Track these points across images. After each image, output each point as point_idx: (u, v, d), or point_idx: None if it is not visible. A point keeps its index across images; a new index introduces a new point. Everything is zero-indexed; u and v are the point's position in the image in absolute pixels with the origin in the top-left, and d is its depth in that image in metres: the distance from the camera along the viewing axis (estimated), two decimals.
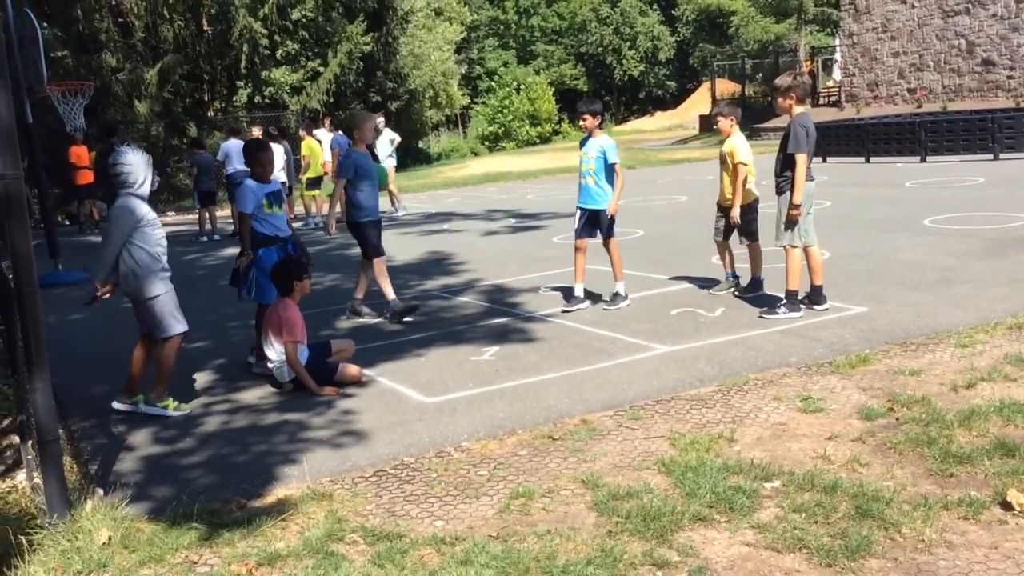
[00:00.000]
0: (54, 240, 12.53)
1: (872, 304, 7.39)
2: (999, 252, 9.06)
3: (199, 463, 5.03)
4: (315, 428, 5.42)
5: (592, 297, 8.25)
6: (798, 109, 7.06)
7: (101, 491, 4.39)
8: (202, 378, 6.77)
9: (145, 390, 6.01)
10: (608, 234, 8.03)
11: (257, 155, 6.71)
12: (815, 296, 7.24)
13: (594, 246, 8.25)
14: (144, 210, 5.78)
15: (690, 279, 8.96)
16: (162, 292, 5.83)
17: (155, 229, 5.85)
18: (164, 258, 5.88)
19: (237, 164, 14.62)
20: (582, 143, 8.13)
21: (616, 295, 8.05)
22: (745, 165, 7.74)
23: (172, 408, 5.95)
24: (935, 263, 8.79)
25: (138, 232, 5.72)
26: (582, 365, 6.28)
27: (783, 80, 7.12)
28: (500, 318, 8.00)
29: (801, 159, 6.89)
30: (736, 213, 7.83)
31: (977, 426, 4.51)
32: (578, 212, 8.10)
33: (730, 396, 5.39)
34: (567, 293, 8.44)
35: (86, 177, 18.45)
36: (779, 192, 7.13)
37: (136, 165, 5.75)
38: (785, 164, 7.06)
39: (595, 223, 8.01)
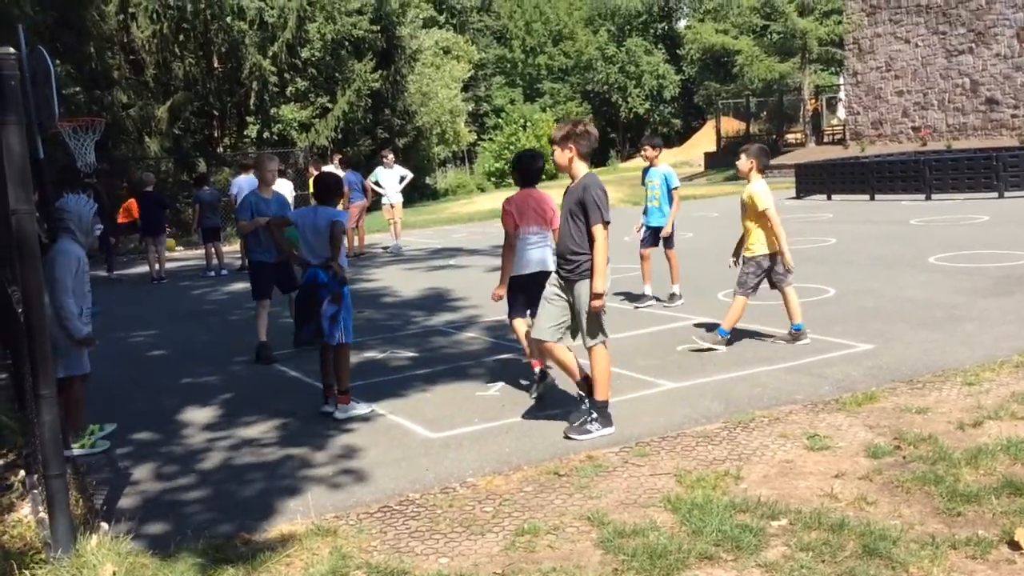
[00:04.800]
0: None
1: (879, 341, 7.37)
2: (1005, 290, 9.06)
3: (203, 498, 5.02)
4: (319, 463, 5.41)
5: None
6: (582, 167, 5.57)
7: (106, 525, 4.38)
8: (208, 413, 6.76)
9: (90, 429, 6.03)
10: (669, 245, 9.74)
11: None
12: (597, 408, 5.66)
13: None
14: (83, 256, 5.84)
15: (696, 315, 8.96)
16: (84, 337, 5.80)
17: (86, 280, 5.89)
18: (86, 310, 5.89)
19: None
20: (645, 172, 9.89)
21: (672, 295, 9.69)
22: (768, 209, 7.31)
23: (88, 446, 5.91)
24: (941, 301, 8.79)
25: (76, 276, 5.75)
26: None
27: (559, 129, 5.63)
28: (505, 353, 8.00)
29: (604, 234, 5.41)
30: (788, 257, 7.38)
31: (984, 464, 4.49)
32: (644, 229, 9.84)
33: (736, 433, 5.37)
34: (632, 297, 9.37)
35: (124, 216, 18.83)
36: (577, 277, 5.50)
37: (78, 212, 5.84)
38: (579, 239, 5.47)
39: (657, 236, 9.72)
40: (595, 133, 5.58)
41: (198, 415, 6.69)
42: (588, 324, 5.54)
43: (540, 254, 6.43)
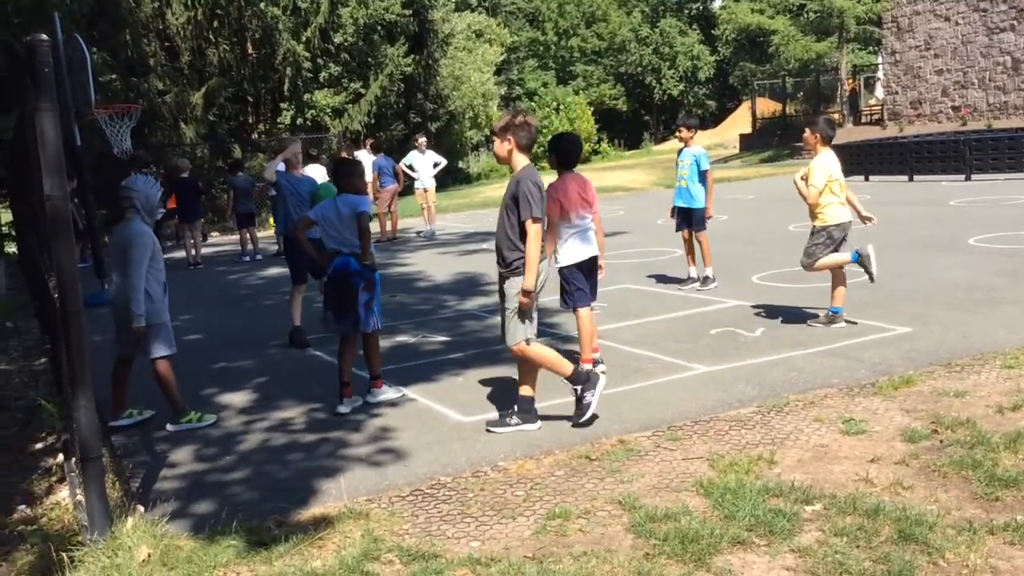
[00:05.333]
0: (101, 260, 12.76)
1: (916, 324, 7.27)
2: None
3: (238, 480, 5.07)
4: (353, 446, 5.45)
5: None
6: (522, 160, 5.39)
7: (142, 508, 4.44)
8: (243, 397, 6.83)
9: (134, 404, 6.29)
10: (699, 228, 9.58)
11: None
12: (523, 406, 5.53)
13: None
14: (156, 239, 6.03)
15: (730, 298, 8.89)
16: (164, 320, 6.06)
17: (161, 257, 6.08)
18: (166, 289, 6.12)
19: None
20: (679, 152, 9.71)
21: (706, 278, 9.56)
22: (816, 187, 7.25)
23: (196, 420, 6.10)
24: (981, 283, 8.64)
25: (153, 258, 5.95)
26: (620, 385, 6.24)
27: (500, 120, 5.48)
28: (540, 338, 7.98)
29: (535, 230, 5.20)
30: (817, 226, 7.36)
31: (1023, 449, 4.41)
32: (676, 210, 9.69)
33: (770, 417, 5.33)
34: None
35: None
36: (509, 273, 5.35)
37: (145, 192, 6.01)
38: (513, 235, 5.30)
39: (689, 218, 9.57)
40: (535, 125, 5.43)
41: (234, 399, 6.76)
42: (511, 322, 5.33)
43: (592, 237, 6.38)
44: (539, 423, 5.48)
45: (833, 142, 7.52)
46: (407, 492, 4.63)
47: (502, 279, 5.44)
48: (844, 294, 7.48)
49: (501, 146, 5.40)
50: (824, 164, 7.30)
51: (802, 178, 7.47)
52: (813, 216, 7.44)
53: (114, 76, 24.57)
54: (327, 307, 6.31)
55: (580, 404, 5.46)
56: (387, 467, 5.06)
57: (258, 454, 5.49)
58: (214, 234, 22.87)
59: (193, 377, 7.35)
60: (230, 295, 11.89)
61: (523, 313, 5.29)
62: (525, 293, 5.24)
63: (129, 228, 5.96)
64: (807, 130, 7.59)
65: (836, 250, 7.42)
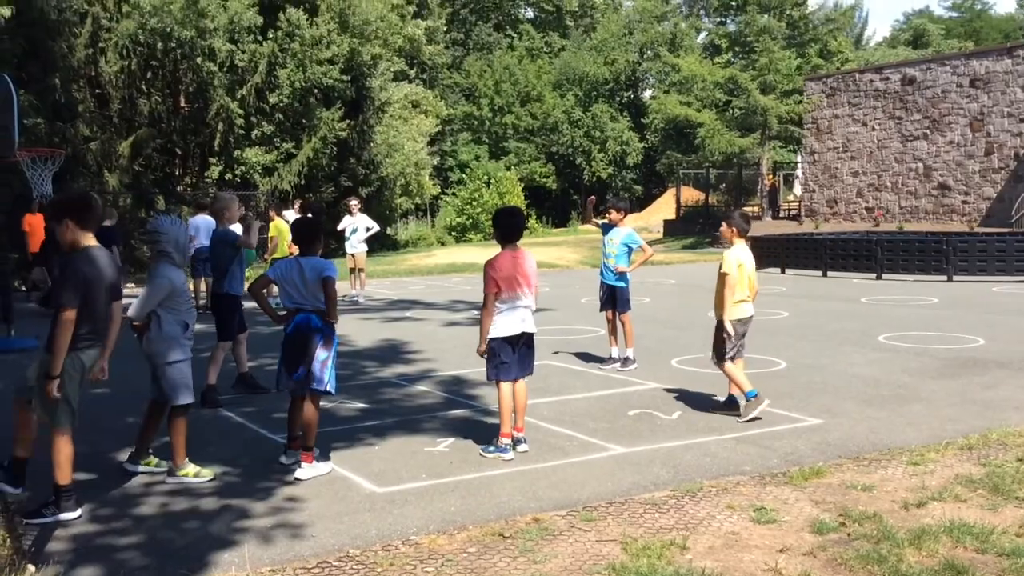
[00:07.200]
0: (9, 306, 12.31)
1: (827, 417, 7.44)
2: (952, 373, 9.21)
3: (135, 544, 4.86)
4: (258, 515, 5.28)
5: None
6: (85, 239, 5.32)
7: (33, 568, 4.22)
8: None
9: (154, 455, 6.23)
10: (624, 309, 9.71)
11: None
12: None
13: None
14: (179, 279, 6.04)
15: (649, 381, 8.98)
16: (180, 359, 6.02)
17: (186, 298, 6.10)
18: (191, 327, 6.13)
19: (204, 240, 14.52)
20: (605, 230, 9.80)
21: (627, 359, 9.65)
22: (727, 275, 7.38)
23: (192, 476, 5.95)
24: (889, 380, 8.91)
25: (170, 299, 5.98)
26: (537, 462, 6.22)
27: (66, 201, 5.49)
28: (457, 409, 7.94)
29: (64, 316, 5.07)
30: (728, 325, 7.37)
31: (927, 546, 4.51)
32: (602, 287, 9.85)
33: (684, 502, 5.35)
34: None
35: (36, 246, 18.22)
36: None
37: (175, 235, 6.12)
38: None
39: (614, 299, 9.72)
40: (99, 206, 5.58)
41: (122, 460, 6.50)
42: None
43: (522, 315, 6.41)
44: (79, 511, 5.22)
45: (750, 234, 7.74)
46: (313, 564, 4.50)
47: None
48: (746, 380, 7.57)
49: (62, 229, 5.28)
50: (737, 254, 7.51)
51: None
52: (718, 308, 7.51)
53: (40, 120, 24.10)
54: (282, 363, 6.19)
55: (40, 509, 5.19)
56: (293, 537, 4.91)
57: (160, 517, 5.29)
58: (130, 285, 22.28)
59: (97, 432, 7.07)
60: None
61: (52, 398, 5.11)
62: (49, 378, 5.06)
63: (152, 270, 6.11)
64: (723, 223, 7.81)
65: (740, 344, 7.52)
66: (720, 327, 7.46)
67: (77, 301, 5.12)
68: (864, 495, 5.40)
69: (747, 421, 7.22)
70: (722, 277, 7.47)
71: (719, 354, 7.51)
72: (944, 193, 31.38)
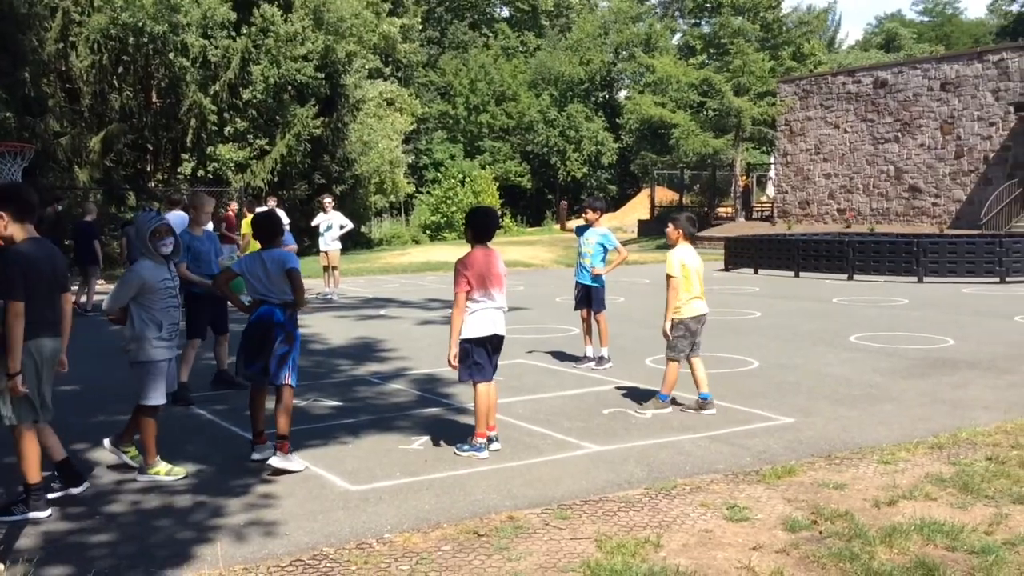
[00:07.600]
0: None
1: (799, 416, 7.49)
2: (921, 373, 9.32)
3: (106, 542, 4.81)
4: (231, 512, 5.24)
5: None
6: (22, 231, 5.21)
7: (2, 566, 4.16)
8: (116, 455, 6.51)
9: (136, 447, 6.15)
10: (599, 308, 9.73)
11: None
12: None
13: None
14: (153, 275, 5.93)
15: (624, 379, 9.01)
16: (149, 360, 5.92)
17: (162, 296, 5.96)
18: (167, 327, 5.99)
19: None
20: (580, 231, 9.79)
21: (601, 358, 9.67)
22: (672, 277, 7.52)
23: (163, 474, 5.88)
24: (861, 379, 8.99)
25: (143, 295, 5.90)
26: (512, 460, 6.22)
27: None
28: (431, 408, 7.92)
29: (12, 311, 5.00)
30: (666, 326, 7.54)
31: (898, 544, 4.55)
32: (577, 287, 9.86)
33: (658, 500, 5.37)
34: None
35: None
36: None
37: (136, 226, 6.12)
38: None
39: (589, 298, 9.74)
40: (35, 198, 5.28)
41: (107, 456, 6.43)
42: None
43: (493, 316, 6.38)
44: (47, 513, 5.16)
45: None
46: (287, 562, 4.47)
47: None
48: (706, 380, 7.65)
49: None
50: (680, 255, 7.59)
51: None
52: (670, 309, 7.59)
53: (9, 114, 23.79)
54: (240, 353, 6.16)
55: (9, 506, 5.18)
56: (267, 535, 4.88)
57: (131, 515, 5.23)
58: (100, 282, 22.04)
59: (66, 430, 6.99)
60: (115, 346, 11.41)
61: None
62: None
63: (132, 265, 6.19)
64: (670, 224, 7.81)
65: (694, 342, 7.63)
66: (674, 327, 7.57)
67: (22, 294, 5.02)
68: (836, 493, 5.44)
69: (637, 414, 7.48)
70: (667, 279, 7.57)
71: (672, 349, 7.63)
72: (915, 195, 31.75)
